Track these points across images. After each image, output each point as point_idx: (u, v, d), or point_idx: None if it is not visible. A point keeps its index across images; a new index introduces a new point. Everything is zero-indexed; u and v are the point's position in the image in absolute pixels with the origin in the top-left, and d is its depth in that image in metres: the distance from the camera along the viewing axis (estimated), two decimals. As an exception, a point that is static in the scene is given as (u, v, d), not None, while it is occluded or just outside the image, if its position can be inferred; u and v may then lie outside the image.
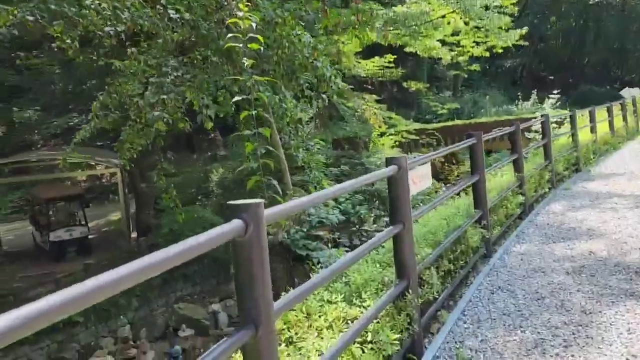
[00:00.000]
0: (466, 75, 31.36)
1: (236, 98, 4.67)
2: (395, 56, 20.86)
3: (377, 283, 3.63)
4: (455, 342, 3.67)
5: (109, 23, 4.71)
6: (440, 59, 20.53)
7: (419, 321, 3.54)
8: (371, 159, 16.01)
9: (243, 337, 1.90)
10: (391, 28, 13.07)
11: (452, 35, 18.30)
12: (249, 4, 5.34)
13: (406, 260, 3.51)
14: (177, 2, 5.66)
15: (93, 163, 20.75)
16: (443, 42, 18.44)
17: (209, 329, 13.22)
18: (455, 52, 19.44)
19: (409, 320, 3.40)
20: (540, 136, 10.90)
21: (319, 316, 3.18)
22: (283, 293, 3.42)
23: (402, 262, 3.51)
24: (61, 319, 1.15)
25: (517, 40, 17.08)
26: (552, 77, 37.90)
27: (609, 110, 14.48)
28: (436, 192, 12.57)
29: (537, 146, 9.18)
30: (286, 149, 6.91)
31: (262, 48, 4.51)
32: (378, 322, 3.20)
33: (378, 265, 3.95)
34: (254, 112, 4.46)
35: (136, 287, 10.04)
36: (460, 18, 15.63)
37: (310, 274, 3.96)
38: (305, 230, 6.34)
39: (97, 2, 5.01)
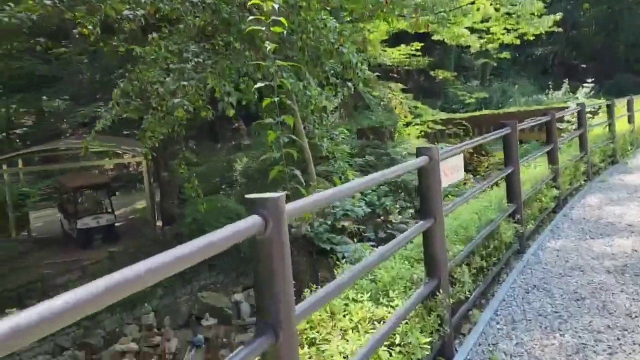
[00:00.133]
0: (495, 64, 30.51)
1: (258, 84, 4.49)
2: (422, 44, 20.39)
3: (406, 281, 3.42)
4: (488, 345, 3.46)
5: (127, 7, 4.58)
6: (469, 46, 19.96)
7: (450, 322, 3.34)
8: (397, 149, 15.68)
9: (262, 344, 1.73)
10: (419, 14, 12.66)
11: (482, 22, 17.74)
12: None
13: (437, 257, 3.30)
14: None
15: (120, 152, 20.94)
16: (472, 30, 17.91)
17: (231, 319, 13.21)
18: (485, 40, 18.85)
19: (439, 322, 3.19)
20: (574, 126, 10.47)
21: (344, 315, 2.99)
22: (306, 290, 3.27)
23: (433, 259, 3.30)
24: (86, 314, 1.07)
25: (550, 27, 16.43)
26: (584, 66, 36.68)
27: (648, 100, 13.84)
28: (464, 184, 12.23)
29: (572, 137, 8.78)
30: (310, 138, 6.72)
31: (285, 32, 4.31)
32: (406, 324, 3.00)
33: (406, 261, 3.74)
34: (276, 100, 4.28)
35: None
36: (491, 4, 15.09)
37: (335, 270, 3.78)
38: (329, 223, 6.14)
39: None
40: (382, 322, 2.90)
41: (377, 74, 14.04)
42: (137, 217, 20.58)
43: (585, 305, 3.87)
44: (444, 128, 20.55)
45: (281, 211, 1.75)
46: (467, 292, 3.79)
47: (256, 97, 5.95)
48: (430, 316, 3.16)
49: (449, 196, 9.76)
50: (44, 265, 14.44)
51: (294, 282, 1.94)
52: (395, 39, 20.64)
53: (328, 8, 6.36)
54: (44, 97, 24.36)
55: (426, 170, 3.26)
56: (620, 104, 13.19)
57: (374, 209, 9.34)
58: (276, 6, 4.07)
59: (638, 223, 5.91)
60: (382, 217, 10.32)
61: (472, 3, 15.18)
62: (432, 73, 26.67)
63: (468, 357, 3.31)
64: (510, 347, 3.37)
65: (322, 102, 5.84)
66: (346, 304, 3.12)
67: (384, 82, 18.89)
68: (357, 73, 6.30)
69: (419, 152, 3.28)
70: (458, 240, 4.12)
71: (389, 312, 3.00)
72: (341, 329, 2.86)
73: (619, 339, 3.30)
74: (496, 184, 5.94)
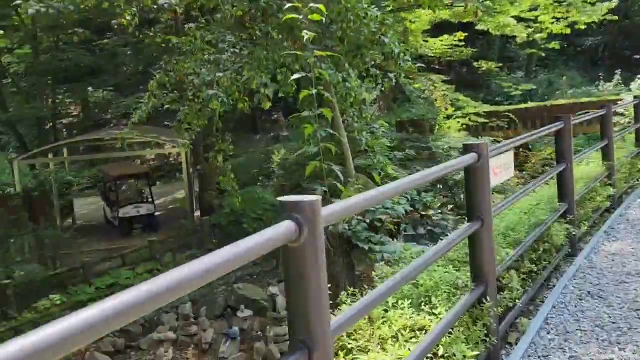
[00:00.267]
0: (542, 54, 29.34)
1: (296, 75, 4.33)
2: (465, 34, 19.76)
3: (449, 286, 3.20)
4: (538, 357, 3.20)
5: (163, -5, 4.52)
6: (514, 37, 19.23)
7: (497, 331, 3.10)
8: (438, 142, 15.25)
9: (294, 362, 1.57)
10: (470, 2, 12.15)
11: (529, 10, 17.02)
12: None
13: (484, 262, 3.06)
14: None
15: (160, 142, 21.30)
16: (518, 19, 17.21)
17: (267, 311, 13.22)
18: (532, 29, 18.08)
19: (485, 331, 2.96)
20: (628, 120, 9.88)
21: (382, 322, 2.81)
22: (342, 293, 3.09)
23: (480, 264, 3.06)
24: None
25: (603, 15, 15.60)
26: (637, 57, 34.91)
27: None
28: (508, 180, 11.75)
29: (628, 131, 8.25)
30: (349, 131, 6.52)
31: (324, 20, 4.13)
32: (450, 334, 2.79)
33: (450, 265, 3.51)
34: (314, 92, 4.10)
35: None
36: (539, -9, 14.45)
37: (373, 270, 3.58)
38: (368, 221, 5.96)
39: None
40: (423, 332, 2.70)
41: (419, 64, 13.66)
42: (176, 206, 20.90)
43: (647, 317, 3.54)
44: (486, 121, 19.88)
45: (317, 216, 1.57)
46: (515, 299, 3.53)
47: (294, 88, 5.79)
48: (475, 325, 2.93)
49: (494, 192, 9.36)
50: (86, 252, 14.82)
51: (329, 285, 1.77)
52: (437, 29, 20.08)
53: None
54: (89, 88, 25.02)
55: (474, 168, 3.02)
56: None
57: (413, 204, 9.08)
58: (315, -7, 3.90)
59: (703, 226, 5.47)
60: (421, 213, 10.05)
61: (520, -10, 14.57)
62: (475, 64, 25.87)
63: (516, 370, 3.07)
64: (563, 360, 3.11)
65: (362, 94, 5.62)
66: (385, 310, 2.93)
67: (425, 73, 18.42)
68: (399, 64, 6.04)
69: (467, 148, 3.04)
70: (506, 243, 3.85)
71: (432, 321, 2.80)
72: (380, 337, 2.67)
73: (687, 357, 2.99)
74: (545, 182, 5.60)
